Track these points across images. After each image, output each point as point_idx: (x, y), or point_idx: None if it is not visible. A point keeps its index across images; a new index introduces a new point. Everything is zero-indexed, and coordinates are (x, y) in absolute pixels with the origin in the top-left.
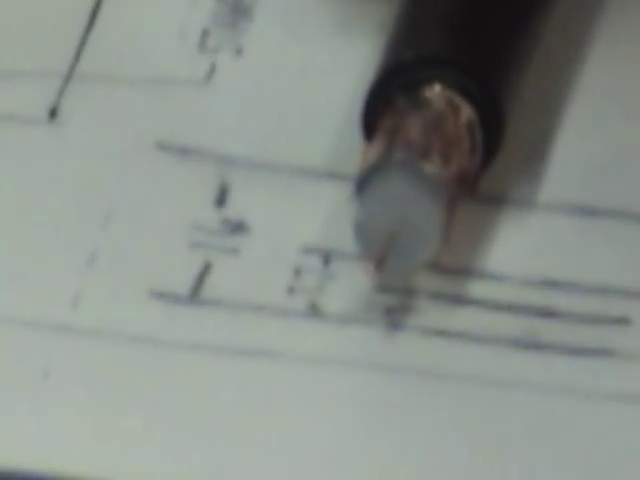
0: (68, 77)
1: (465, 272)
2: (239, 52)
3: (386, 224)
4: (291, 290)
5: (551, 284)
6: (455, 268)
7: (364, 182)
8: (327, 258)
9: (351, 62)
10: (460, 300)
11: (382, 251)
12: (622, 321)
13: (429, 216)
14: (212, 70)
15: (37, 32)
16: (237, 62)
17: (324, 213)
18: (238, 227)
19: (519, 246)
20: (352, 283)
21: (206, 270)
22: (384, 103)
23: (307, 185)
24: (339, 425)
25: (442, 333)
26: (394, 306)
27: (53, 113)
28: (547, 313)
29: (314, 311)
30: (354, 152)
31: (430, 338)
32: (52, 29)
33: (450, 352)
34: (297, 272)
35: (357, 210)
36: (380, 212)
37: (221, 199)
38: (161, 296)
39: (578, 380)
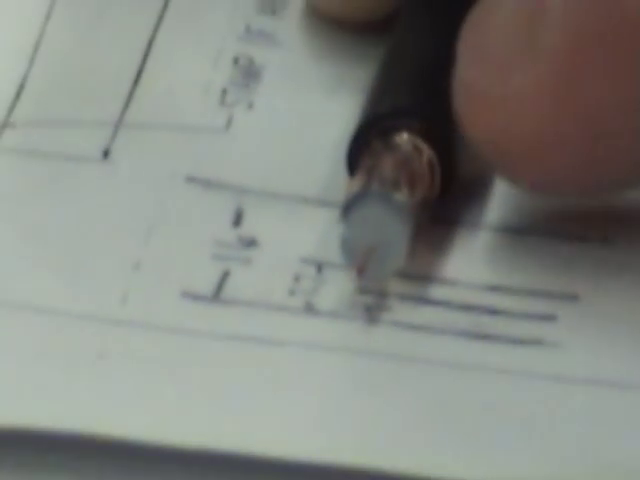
0: (118, 124)
1: (427, 278)
2: (251, 106)
3: (366, 241)
4: (292, 292)
5: (494, 288)
6: (419, 275)
7: (348, 208)
8: (320, 267)
9: (339, 114)
10: (424, 300)
11: (362, 262)
12: (549, 317)
13: (398, 235)
14: (230, 120)
15: (92, 86)
16: (249, 114)
17: (318, 232)
18: (250, 242)
19: (469, 258)
20: (339, 287)
21: (225, 276)
22: (364, 146)
23: (305, 210)
24: (328, 398)
25: (410, 327)
26: (372, 305)
27: (106, 154)
28: (491, 311)
29: (310, 309)
30: (341, 184)
31: (400, 331)
32: (105, 84)
33: (416, 342)
34: (296, 278)
35: (343, 229)
36: (361, 231)
37: (237, 220)
38: (190, 296)
39: (515, 364)
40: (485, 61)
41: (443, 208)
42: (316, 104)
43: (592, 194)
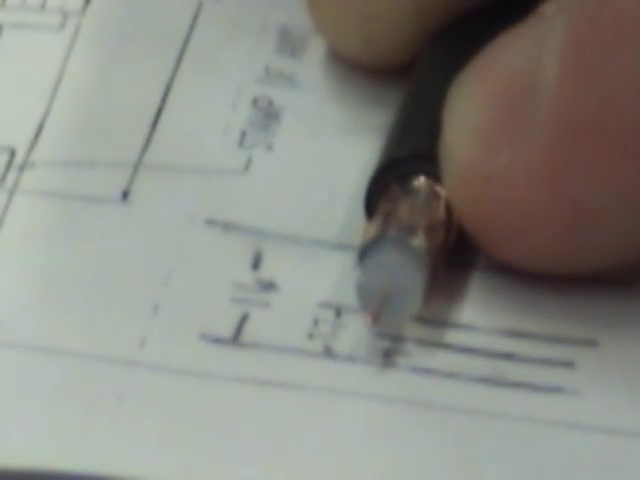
0: (137, 165)
1: (444, 323)
2: (270, 148)
3: (382, 286)
4: (310, 336)
5: (512, 333)
6: (436, 320)
7: (365, 253)
8: (339, 311)
9: (357, 157)
10: (440, 345)
11: (378, 307)
12: (568, 364)
13: (415, 280)
14: (249, 162)
15: (112, 127)
16: (268, 156)
17: (336, 275)
18: (269, 286)
19: (486, 303)
20: (357, 331)
21: (244, 319)
22: (381, 191)
23: (323, 253)
24: (346, 442)
25: (426, 371)
26: (389, 349)
27: (125, 195)
28: (509, 356)
29: (328, 352)
30: (359, 228)
31: (417, 375)
32: (124, 125)
33: (433, 387)
34: (315, 322)
35: (359, 274)
36: (377, 276)
37: (256, 264)
38: (209, 339)
39: (533, 411)
40: (473, 133)
41: (460, 252)
42: (335, 147)
43: (577, 273)
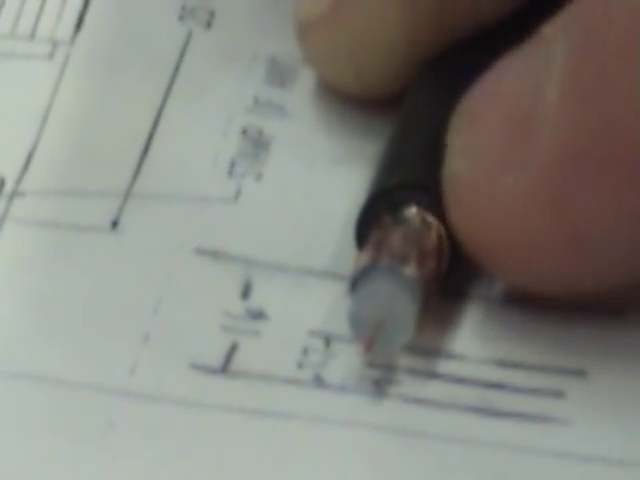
0: (127, 194)
1: (435, 352)
2: (259, 178)
3: (373, 315)
4: (300, 365)
5: (502, 363)
6: (428, 349)
7: (357, 282)
8: (328, 340)
9: (347, 187)
10: (431, 375)
11: (370, 336)
12: (558, 393)
13: (407, 309)
14: (238, 191)
15: (101, 156)
16: (258, 185)
17: (326, 305)
18: (259, 315)
19: (477, 332)
20: (348, 360)
21: (234, 348)
22: (372, 220)
23: (313, 283)
24: (336, 471)
25: (417, 401)
26: (380, 378)
27: (115, 224)
28: (499, 386)
29: (318, 382)
30: (350, 258)
31: (408, 404)
32: (114, 154)
33: (423, 416)
34: (305, 351)
35: (351, 303)
36: (369, 305)
37: (246, 292)
38: (199, 368)
39: (524, 440)
40: (477, 156)
41: (452, 282)
42: (325, 176)
43: (577, 295)
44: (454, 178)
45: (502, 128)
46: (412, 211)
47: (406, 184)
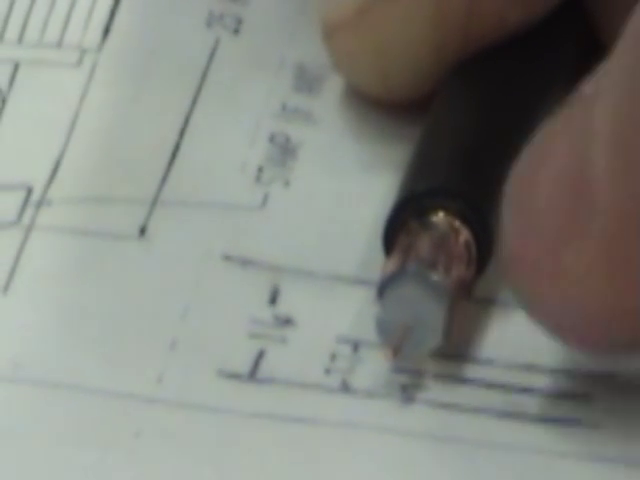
0: (154, 201)
1: (463, 357)
2: (287, 184)
3: (401, 320)
4: (328, 371)
5: (529, 367)
6: (455, 354)
7: (384, 287)
8: (356, 346)
9: (375, 192)
10: (459, 380)
11: (398, 341)
12: (586, 397)
13: (435, 314)
14: (266, 198)
15: (129, 163)
16: (285, 192)
17: (354, 310)
18: (286, 321)
19: (504, 337)
20: (375, 366)
21: (261, 355)
22: (400, 226)
23: (341, 289)
24: (364, 477)
25: (445, 406)
26: (407, 384)
27: (142, 231)
28: (527, 390)
29: (346, 388)
30: (378, 264)
31: (436, 410)
32: (141, 161)
33: (451, 421)
34: (333, 357)
35: (379, 309)
36: (396, 311)
37: (273, 299)
38: (226, 375)
39: (552, 444)
40: (534, 233)
41: (479, 287)
42: (353, 182)
43: None
44: (513, 260)
45: (555, 202)
46: (440, 216)
47: (433, 189)
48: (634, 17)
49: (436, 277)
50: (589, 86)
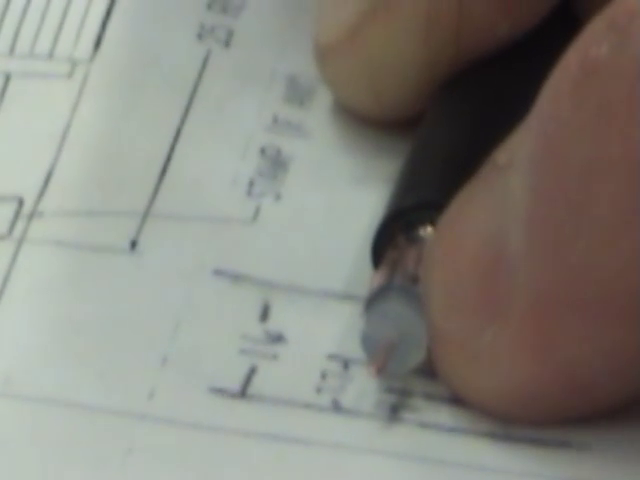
0: (145, 215)
1: None
2: (278, 198)
3: (386, 335)
4: (319, 389)
5: None
6: None
7: (371, 302)
8: (346, 364)
9: (365, 206)
10: (448, 400)
11: (383, 357)
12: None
13: (421, 329)
14: (257, 212)
15: (120, 176)
16: (277, 206)
17: (344, 327)
18: (277, 338)
19: None
20: (365, 385)
21: (252, 372)
22: (388, 240)
23: (331, 304)
24: None
25: (433, 426)
26: (396, 404)
27: (133, 245)
28: None
29: (336, 407)
30: (367, 279)
31: (425, 430)
32: (133, 174)
33: (440, 442)
34: (323, 375)
35: (365, 324)
36: (382, 325)
37: (264, 315)
38: (217, 391)
39: (542, 466)
40: (454, 312)
41: None
42: (344, 195)
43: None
44: (438, 332)
45: (473, 278)
46: (427, 231)
47: (421, 204)
48: (546, 88)
49: (422, 291)
50: (503, 155)
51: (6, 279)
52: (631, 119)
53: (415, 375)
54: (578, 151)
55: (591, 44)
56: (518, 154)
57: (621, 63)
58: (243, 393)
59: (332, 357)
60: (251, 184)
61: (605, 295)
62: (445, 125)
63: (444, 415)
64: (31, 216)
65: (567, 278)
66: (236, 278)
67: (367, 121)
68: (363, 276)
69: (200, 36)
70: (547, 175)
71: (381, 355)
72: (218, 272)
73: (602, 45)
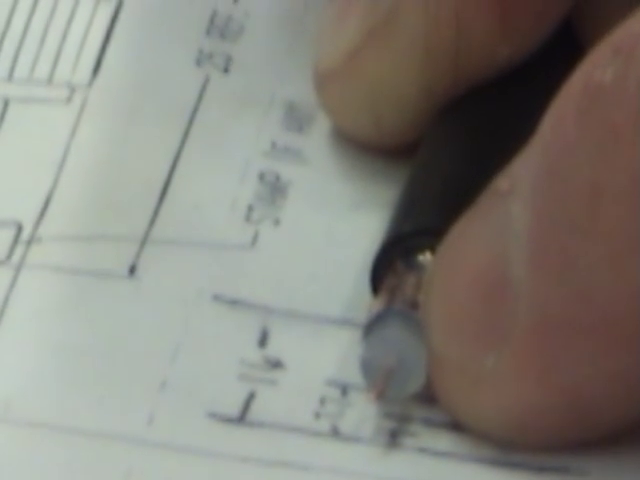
0: (144, 240)
1: None
2: (277, 223)
3: (385, 361)
4: (317, 415)
5: None
6: None
7: (369, 328)
8: (345, 389)
9: (364, 232)
10: (448, 426)
11: (382, 383)
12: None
13: (420, 355)
14: (256, 237)
15: (118, 201)
16: (275, 231)
17: (343, 352)
18: (276, 364)
19: None
20: (364, 410)
21: (251, 397)
22: (387, 266)
23: (330, 330)
24: None
25: (433, 452)
26: (396, 429)
27: (132, 270)
28: None
29: (335, 432)
30: (366, 304)
31: (423, 456)
32: (131, 199)
33: (441, 469)
34: (322, 401)
35: (364, 349)
36: (381, 351)
37: (263, 341)
38: (216, 417)
39: None
40: (456, 335)
41: None
42: (342, 221)
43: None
44: (438, 359)
45: (475, 302)
46: (426, 257)
47: (420, 230)
48: (550, 113)
49: (421, 318)
50: (504, 181)
51: (5, 304)
52: (635, 143)
53: (414, 400)
54: (582, 175)
55: (596, 69)
56: (520, 180)
57: (626, 88)
58: (242, 418)
59: (331, 383)
60: (250, 209)
61: (608, 319)
62: (444, 151)
63: (443, 440)
64: (30, 241)
65: (570, 302)
66: (235, 303)
67: (366, 147)
68: (362, 302)
69: (199, 62)
70: (551, 199)
71: (380, 380)
72: (217, 297)
73: (607, 70)
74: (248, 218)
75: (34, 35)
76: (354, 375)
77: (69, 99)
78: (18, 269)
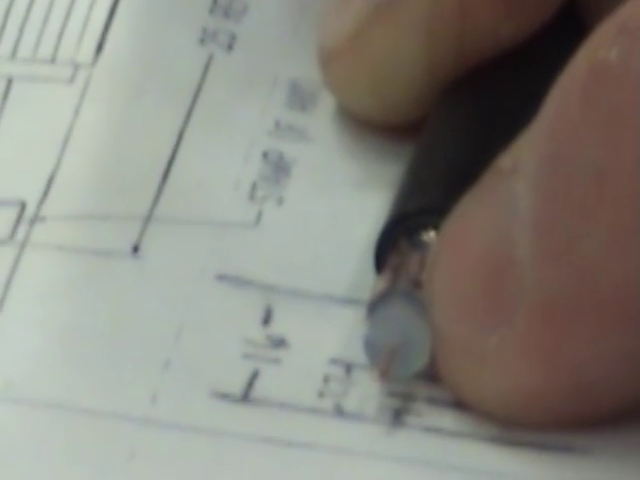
0: (148, 219)
1: None
2: (280, 202)
3: (389, 340)
4: (321, 394)
5: None
6: None
7: (373, 307)
8: (349, 368)
9: (368, 211)
10: (452, 405)
11: (386, 362)
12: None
13: (423, 334)
14: (259, 216)
15: (122, 180)
16: (279, 210)
17: (347, 331)
18: (280, 342)
19: None
20: (368, 389)
21: (255, 376)
22: (391, 245)
23: (334, 309)
24: None
25: (437, 430)
26: (400, 408)
27: (135, 249)
28: None
29: (339, 411)
30: (371, 283)
31: (429, 435)
32: (135, 178)
33: (443, 446)
34: (326, 379)
35: (368, 329)
36: (385, 331)
37: (266, 319)
38: (220, 396)
39: (544, 471)
40: (461, 314)
41: None
42: (346, 200)
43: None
44: (442, 336)
45: (480, 281)
46: (430, 236)
47: (424, 209)
48: (554, 92)
49: (425, 297)
50: (507, 160)
51: (8, 283)
52: None
53: (418, 379)
54: (587, 154)
55: (601, 47)
56: (524, 159)
57: (631, 67)
58: (245, 397)
59: (335, 361)
60: (253, 188)
61: (613, 299)
62: (448, 129)
63: (447, 419)
64: (33, 220)
65: (574, 282)
66: (238, 282)
67: (370, 125)
68: (366, 281)
69: (202, 40)
70: (555, 179)
71: (384, 360)
72: (220, 276)
73: (612, 49)
74: (252, 197)
75: (37, 14)
76: (358, 354)
77: (72, 78)
78: (21, 248)
